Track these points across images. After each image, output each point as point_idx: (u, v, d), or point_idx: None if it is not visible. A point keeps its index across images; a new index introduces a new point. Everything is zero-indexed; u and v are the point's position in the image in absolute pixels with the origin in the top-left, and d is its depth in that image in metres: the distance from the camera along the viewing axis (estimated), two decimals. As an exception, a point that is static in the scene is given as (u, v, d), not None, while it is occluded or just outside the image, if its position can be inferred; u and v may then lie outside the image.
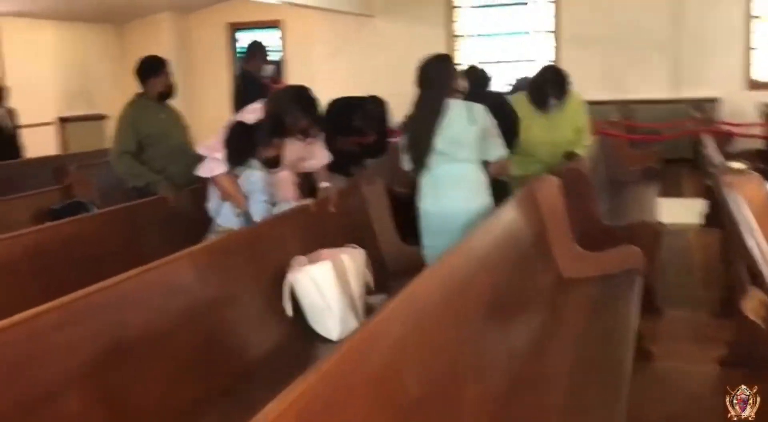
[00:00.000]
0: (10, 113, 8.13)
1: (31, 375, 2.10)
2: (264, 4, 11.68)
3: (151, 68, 4.61)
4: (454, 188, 3.73)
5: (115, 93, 13.02)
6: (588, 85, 11.62)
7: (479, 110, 3.73)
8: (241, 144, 3.68)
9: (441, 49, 12.86)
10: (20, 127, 10.86)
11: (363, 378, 1.77)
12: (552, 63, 5.47)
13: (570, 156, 5.23)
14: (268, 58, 6.08)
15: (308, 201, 3.78)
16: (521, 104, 5.10)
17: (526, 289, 3.57)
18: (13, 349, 2.08)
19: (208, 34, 13.79)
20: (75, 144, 12.32)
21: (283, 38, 13.50)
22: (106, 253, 3.69)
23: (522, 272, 3.58)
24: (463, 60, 12.34)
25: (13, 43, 11.44)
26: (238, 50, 13.83)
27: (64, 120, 12.30)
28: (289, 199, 3.83)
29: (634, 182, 7.05)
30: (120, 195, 4.57)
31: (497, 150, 3.87)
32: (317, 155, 4.13)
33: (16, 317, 2.12)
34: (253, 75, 5.79)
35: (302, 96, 3.88)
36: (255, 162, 3.72)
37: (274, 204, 3.71)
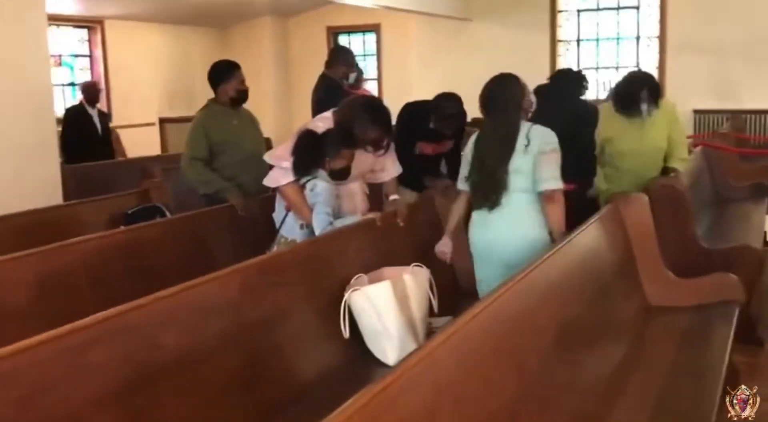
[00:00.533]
0: (102, 114, 8.30)
1: (57, 397, 2.01)
2: (362, 8, 11.63)
3: (222, 73, 4.51)
4: (501, 219, 3.34)
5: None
6: (697, 93, 11.06)
7: (538, 135, 3.33)
8: (309, 154, 3.54)
9: (544, 55, 12.59)
10: (117, 127, 11.30)
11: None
12: (639, 69, 5.05)
13: (666, 171, 4.87)
14: (354, 63, 5.83)
15: (374, 215, 3.60)
16: (606, 114, 4.78)
17: (607, 318, 3.28)
18: (41, 368, 1.99)
19: (307, 37, 13.87)
20: (174, 145, 12.64)
21: (379, 42, 13.44)
22: (170, 262, 3.62)
23: (603, 299, 3.29)
24: (566, 65, 11.94)
25: (118, 45, 11.80)
26: (338, 54, 13.90)
27: (163, 121, 12.61)
28: (357, 212, 3.66)
29: (741, 200, 6.55)
30: (196, 200, 4.51)
31: (547, 182, 3.31)
32: (388, 167, 3.95)
33: (45, 335, 2.03)
34: (333, 81, 5.62)
35: (373, 106, 3.71)
36: (322, 173, 3.58)
37: (338, 217, 3.54)
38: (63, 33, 11.39)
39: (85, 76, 11.70)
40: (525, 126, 3.34)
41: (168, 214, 4.59)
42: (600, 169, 4.73)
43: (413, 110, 4.99)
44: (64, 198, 6.21)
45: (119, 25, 11.80)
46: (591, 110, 4.63)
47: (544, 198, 3.33)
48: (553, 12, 11.84)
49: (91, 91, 8.22)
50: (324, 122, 3.69)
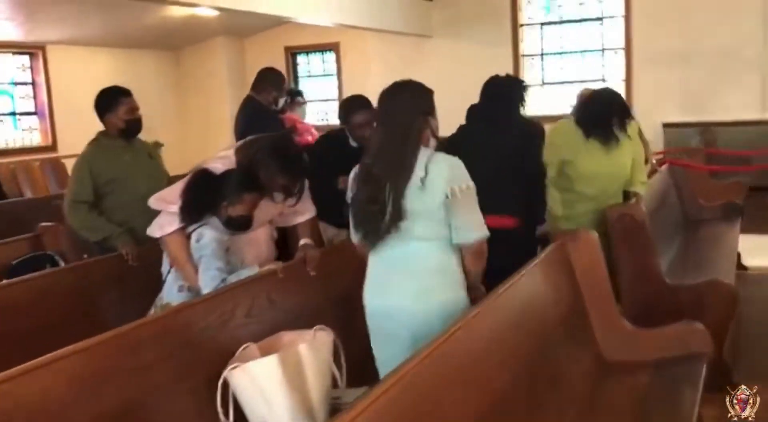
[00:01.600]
0: None
1: None
2: (320, 27, 11.18)
3: (106, 102, 3.96)
4: (405, 277, 2.61)
5: (171, 120, 12.76)
6: (665, 106, 10.65)
7: (443, 167, 2.59)
8: (202, 197, 3.00)
9: (507, 70, 12.00)
10: (62, 157, 10.71)
11: None
12: (606, 87, 4.57)
13: (627, 196, 4.39)
14: (284, 88, 5.24)
15: (276, 265, 3.04)
16: (567, 132, 4.28)
17: (553, 381, 2.76)
18: None
19: (265, 58, 13.27)
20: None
21: (338, 61, 12.98)
22: (43, 326, 3.07)
23: (546, 359, 2.77)
24: (530, 80, 11.50)
25: (62, 71, 11.24)
26: (299, 74, 13.44)
27: (114, 149, 12.03)
28: (257, 262, 3.12)
29: (712, 220, 6.07)
30: (92, 247, 3.94)
31: (468, 232, 2.61)
32: (300, 210, 3.42)
33: None
34: (261, 105, 5.08)
35: (281, 148, 3.16)
36: (214, 220, 3.04)
37: (231, 272, 2.99)
38: (1, 60, 10.79)
39: (28, 105, 11.13)
40: (424, 154, 2.60)
41: (61, 264, 4.01)
42: (555, 193, 4.25)
43: (328, 141, 4.51)
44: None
45: (63, 51, 11.24)
46: (536, 127, 4.14)
47: (465, 251, 2.68)
48: (515, 26, 11.42)
49: None
50: (224, 161, 3.17)
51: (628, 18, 10.69)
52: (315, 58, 13.37)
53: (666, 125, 10.51)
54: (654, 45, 10.50)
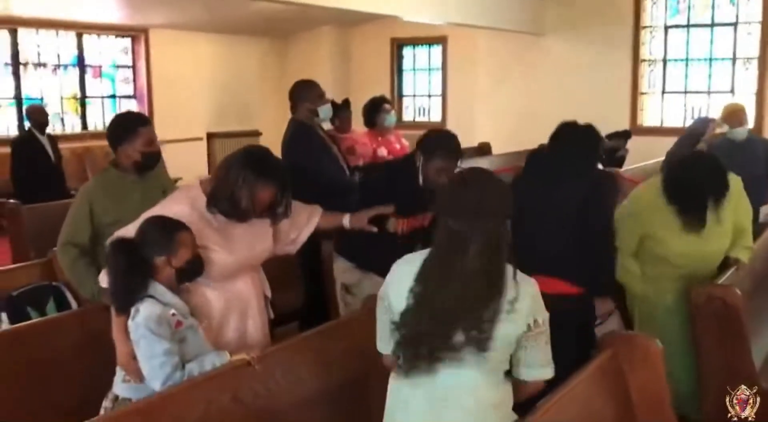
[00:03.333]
0: (53, 141, 7.52)
1: None
2: (428, 20, 10.70)
3: (122, 131, 3.39)
4: (459, 414, 2.07)
5: (272, 109, 12.54)
6: (801, 127, 9.51)
7: (529, 291, 2.08)
8: (129, 274, 2.47)
9: (624, 76, 11.18)
10: (160, 142, 10.64)
11: None
12: (701, 151, 3.80)
13: (725, 264, 3.66)
14: (320, 93, 4.68)
15: (248, 356, 2.52)
16: (653, 199, 3.53)
17: None
18: None
19: (370, 49, 12.98)
20: (223, 162, 11.95)
21: (444, 55, 12.38)
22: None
23: None
24: (649, 88, 10.56)
25: (163, 55, 11.18)
26: (403, 67, 12.94)
27: (212, 136, 11.92)
28: (258, 332, 2.67)
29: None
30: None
31: (537, 370, 2.12)
32: (301, 217, 3.05)
33: None
34: (301, 123, 4.60)
35: (254, 155, 2.75)
36: (156, 287, 2.50)
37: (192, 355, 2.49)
38: (103, 42, 10.82)
39: (127, 89, 11.14)
40: (509, 270, 2.09)
41: (69, 297, 3.65)
42: (632, 264, 3.58)
43: (390, 171, 3.88)
44: (22, 247, 5.47)
45: (165, 35, 11.17)
46: (608, 183, 3.48)
47: (523, 386, 2.17)
48: (637, 27, 10.44)
49: (37, 115, 7.39)
50: (179, 204, 2.73)
51: (765, 25, 9.54)
52: (421, 51, 12.83)
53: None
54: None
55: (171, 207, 2.70)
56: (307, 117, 4.59)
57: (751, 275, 3.85)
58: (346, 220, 3.19)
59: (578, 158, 3.32)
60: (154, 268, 2.49)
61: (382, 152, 5.88)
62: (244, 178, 2.64)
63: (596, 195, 3.28)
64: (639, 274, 3.54)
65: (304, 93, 4.64)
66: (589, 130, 3.46)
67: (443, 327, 2.03)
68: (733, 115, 5.88)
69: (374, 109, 5.97)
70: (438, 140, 3.50)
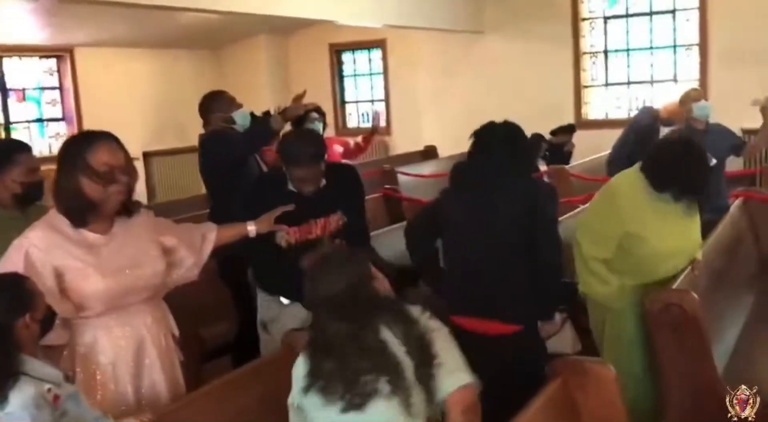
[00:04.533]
0: None
1: None
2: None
3: None
4: None
5: (210, 123, 12.14)
6: (746, 109, 9.35)
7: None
8: None
9: (566, 69, 11.02)
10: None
11: None
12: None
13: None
14: (225, 103, 4.38)
15: (140, 419, 2.15)
16: (630, 194, 3.27)
17: None
18: None
19: (309, 55, 12.63)
20: (160, 181, 11.52)
21: (385, 59, 12.10)
22: None
23: None
24: (592, 81, 10.42)
25: (91, 75, 10.69)
26: (344, 73, 12.63)
27: (148, 155, 11.47)
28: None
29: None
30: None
31: (452, 377, 1.99)
32: (195, 239, 2.73)
33: None
34: (214, 133, 4.30)
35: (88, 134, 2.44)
36: (30, 362, 2.04)
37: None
38: (26, 64, 10.31)
39: (55, 111, 10.65)
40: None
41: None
42: (607, 273, 3.27)
43: (262, 183, 3.55)
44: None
45: (92, 53, 10.69)
46: (546, 188, 3.18)
47: (451, 405, 1.94)
48: (576, 20, 10.28)
49: None
50: (33, 229, 2.40)
51: (703, 11, 9.43)
52: (361, 55, 12.53)
53: (746, 131, 9.27)
54: (733, 41, 9.23)
55: (27, 234, 2.37)
56: (220, 128, 4.25)
57: (708, 273, 3.62)
58: (251, 229, 2.87)
59: (501, 164, 2.97)
60: (16, 336, 2.03)
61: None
62: (66, 172, 2.35)
63: (531, 209, 2.94)
64: (617, 285, 3.25)
65: (213, 104, 4.33)
66: (512, 129, 3.09)
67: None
68: (695, 93, 5.66)
69: (299, 118, 5.65)
70: (292, 147, 3.16)
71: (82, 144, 2.39)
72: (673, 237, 3.26)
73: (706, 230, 4.18)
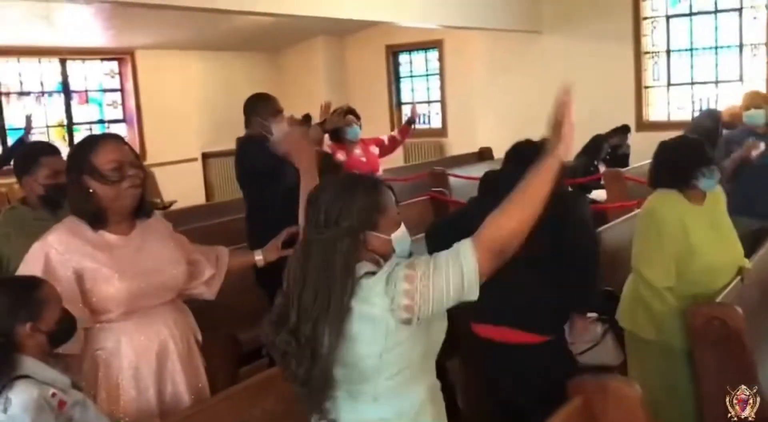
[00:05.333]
0: None
1: None
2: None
3: (23, 161, 3.09)
4: None
5: (269, 124, 12.25)
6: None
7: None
8: None
9: (627, 70, 10.74)
10: (153, 165, 10.34)
11: None
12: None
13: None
14: (275, 108, 4.32)
15: None
16: (673, 205, 3.22)
17: None
18: None
19: (366, 57, 12.64)
20: (218, 182, 11.66)
21: (441, 59, 12.01)
22: None
23: None
24: (653, 81, 10.13)
25: (151, 76, 10.88)
26: (401, 74, 12.57)
27: (207, 156, 11.63)
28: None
29: None
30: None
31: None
32: (210, 255, 2.74)
33: None
34: (251, 138, 4.28)
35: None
36: (30, 362, 2.05)
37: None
38: (88, 67, 10.55)
39: (116, 113, 10.88)
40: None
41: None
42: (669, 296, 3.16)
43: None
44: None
45: (152, 55, 10.86)
46: (577, 198, 3.07)
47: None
48: (637, 19, 10.02)
49: None
50: (53, 232, 2.40)
51: (773, 7, 9.09)
52: (417, 56, 12.45)
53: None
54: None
55: (46, 237, 2.37)
56: (258, 134, 4.23)
57: (759, 287, 3.44)
58: (258, 257, 2.83)
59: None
60: (18, 341, 2.05)
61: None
62: (74, 179, 2.36)
63: (563, 220, 2.83)
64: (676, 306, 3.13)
65: (257, 107, 4.29)
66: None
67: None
68: (749, 99, 5.42)
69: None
70: None
71: (85, 148, 2.40)
72: (719, 247, 3.19)
73: (761, 237, 4.01)
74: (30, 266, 2.34)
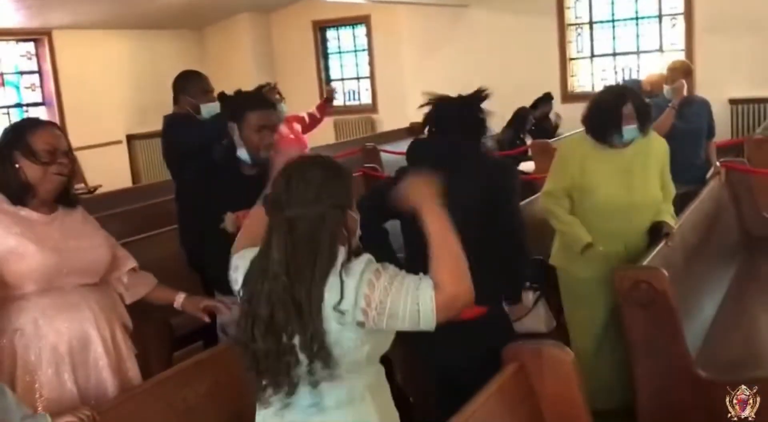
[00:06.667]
0: None
1: None
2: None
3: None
4: None
5: (195, 104, 12.00)
6: (732, 79, 9.26)
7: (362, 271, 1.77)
8: None
9: (551, 41, 10.88)
10: (76, 149, 10.03)
11: None
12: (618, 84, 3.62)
13: (656, 231, 3.39)
14: (198, 88, 4.19)
15: (78, 415, 2.05)
16: (574, 145, 3.55)
17: None
18: None
19: (292, 33, 12.47)
20: (145, 164, 11.38)
21: (369, 35, 11.94)
22: None
23: None
24: (578, 53, 10.28)
25: (70, 57, 10.51)
26: (329, 51, 12.46)
27: (132, 138, 11.34)
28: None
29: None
30: None
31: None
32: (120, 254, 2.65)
33: None
34: (176, 116, 4.16)
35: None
36: None
37: None
38: (3, 48, 10.13)
39: (35, 96, 10.49)
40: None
41: None
42: (564, 215, 3.47)
43: (212, 172, 3.25)
44: None
45: (70, 35, 10.50)
46: (508, 168, 3.05)
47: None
48: (560, -9, 10.14)
49: None
50: None
51: (688, -21, 9.31)
52: (345, 32, 12.36)
53: (733, 101, 9.20)
54: (719, 9, 9.10)
55: None
56: (185, 112, 4.12)
57: (683, 249, 3.54)
58: (179, 299, 2.70)
59: (459, 142, 2.82)
60: None
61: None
62: (6, 154, 2.35)
63: (494, 190, 2.82)
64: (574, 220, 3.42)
65: (187, 85, 4.16)
66: (468, 103, 2.89)
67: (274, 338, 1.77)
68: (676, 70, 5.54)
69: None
70: (241, 98, 3.15)
71: (25, 128, 2.41)
72: (623, 191, 3.35)
73: (684, 201, 4.13)
74: None
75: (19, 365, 2.29)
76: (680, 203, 3.98)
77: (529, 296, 3.33)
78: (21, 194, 2.34)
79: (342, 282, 1.75)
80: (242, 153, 3.03)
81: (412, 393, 3.27)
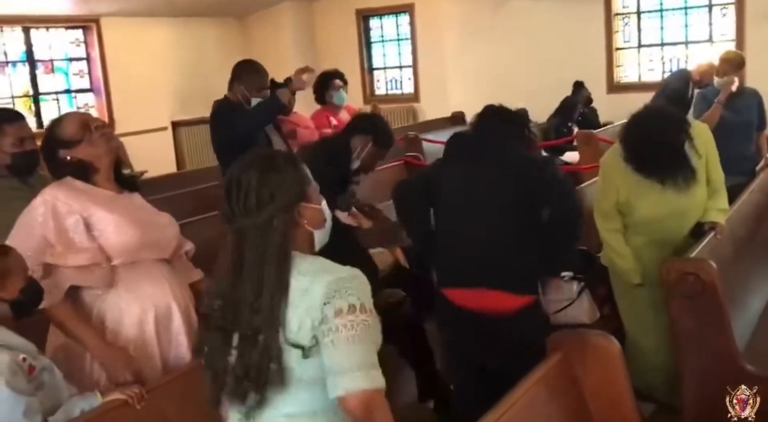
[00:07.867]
0: None
1: None
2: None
3: None
4: None
5: (238, 92, 12.09)
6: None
7: (322, 274, 1.68)
8: None
9: (597, 31, 10.73)
10: (122, 135, 10.20)
11: None
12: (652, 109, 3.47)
13: (697, 233, 3.32)
14: (262, 84, 4.29)
15: (127, 393, 2.11)
16: (612, 163, 3.41)
17: None
18: None
19: (335, 22, 12.48)
20: (189, 150, 11.51)
21: (412, 23, 11.89)
22: None
23: None
24: (624, 43, 10.12)
25: (118, 45, 10.66)
26: (372, 39, 12.45)
27: (177, 124, 11.47)
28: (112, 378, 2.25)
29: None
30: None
31: (345, 379, 1.62)
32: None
33: None
34: (227, 103, 4.24)
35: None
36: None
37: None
38: (53, 35, 10.31)
39: (83, 82, 10.67)
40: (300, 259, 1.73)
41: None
42: (616, 240, 3.41)
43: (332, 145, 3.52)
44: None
45: (118, 23, 10.64)
46: (544, 163, 3.08)
47: (345, 410, 1.64)
48: (607, -20, 9.98)
49: None
50: (51, 188, 2.49)
51: (740, -31, 9.09)
52: (388, 21, 12.32)
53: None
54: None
55: (44, 193, 2.41)
56: (236, 100, 4.19)
57: (732, 242, 3.48)
58: None
59: (505, 138, 2.95)
60: None
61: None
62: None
63: (532, 181, 2.86)
64: (626, 250, 3.35)
65: (245, 75, 4.26)
66: (509, 110, 3.10)
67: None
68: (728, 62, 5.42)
69: (323, 85, 5.56)
70: (387, 128, 3.43)
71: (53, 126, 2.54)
72: (666, 201, 3.26)
73: (734, 194, 4.05)
74: (32, 219, 2.37)
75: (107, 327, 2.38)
76: (730, 196, 3.91)
77: (573, 287, 3.32)
78: (86, 171, 2.45)
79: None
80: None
81: (451, 381, 3.29)
